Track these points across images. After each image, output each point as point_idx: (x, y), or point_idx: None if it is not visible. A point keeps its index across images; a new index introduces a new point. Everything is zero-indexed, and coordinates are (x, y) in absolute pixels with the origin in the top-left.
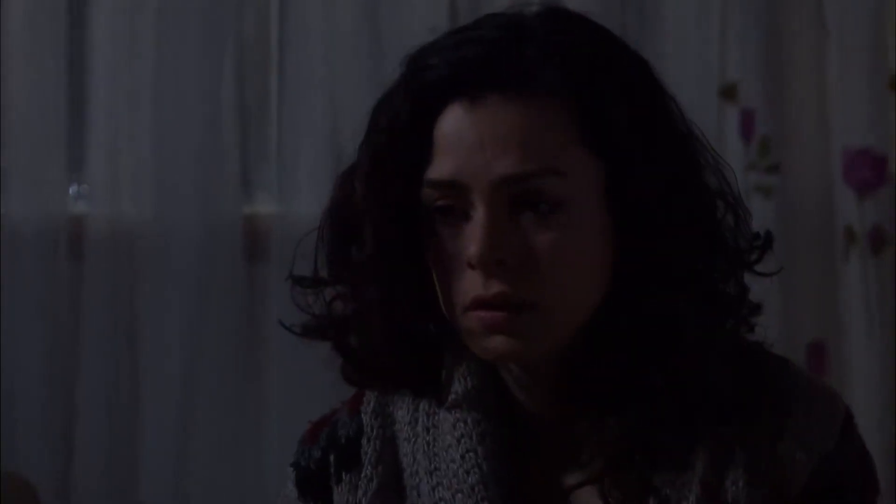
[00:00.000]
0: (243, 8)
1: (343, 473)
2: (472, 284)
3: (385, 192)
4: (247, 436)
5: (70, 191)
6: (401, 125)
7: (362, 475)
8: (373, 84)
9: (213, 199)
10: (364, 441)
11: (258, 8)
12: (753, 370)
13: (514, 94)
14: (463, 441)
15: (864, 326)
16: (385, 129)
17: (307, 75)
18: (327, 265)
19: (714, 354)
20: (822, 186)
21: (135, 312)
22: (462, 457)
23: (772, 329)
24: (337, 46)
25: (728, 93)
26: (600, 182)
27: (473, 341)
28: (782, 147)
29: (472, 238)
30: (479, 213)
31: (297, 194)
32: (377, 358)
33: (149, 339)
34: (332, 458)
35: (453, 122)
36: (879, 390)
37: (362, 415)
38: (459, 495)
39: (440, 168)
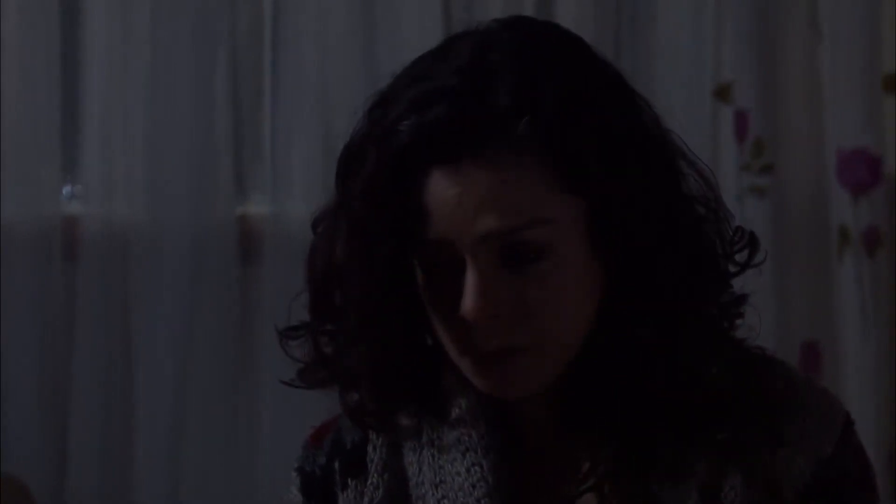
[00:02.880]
0: (236, 8)
1: (349, 480)
2: (467, 333)
3: (369, 256)
4: (240, 437)
5: (64, 191)
6: (377, 192)
7: (368, 482)
8: (366, 84)
9: (207, 200)
10: (370, 448)
11: (251, 8)
12: (752, 375)
13: (489, 153)
14: (468, 455)
15: (859, 327)
16: (361, 195)
17: (300, 76)
18: (311, 314)
19: (711, 362)
20: (816, 187)
21: (128, 312)
22: (468, 470)
23: (765, 329)
24: (330, 47)
25: (722, 93)
26: (582, 218)
27: (473, 378)
28: (776, 147)
29: (465, 293)
30: (469, 270)
31: (291, 195)
32: (375, 399)
33: (142, 339)
34: (336, 464)
35: (432, 187)
36: (874, 391)
37: None
38: None
39: (427, 229)
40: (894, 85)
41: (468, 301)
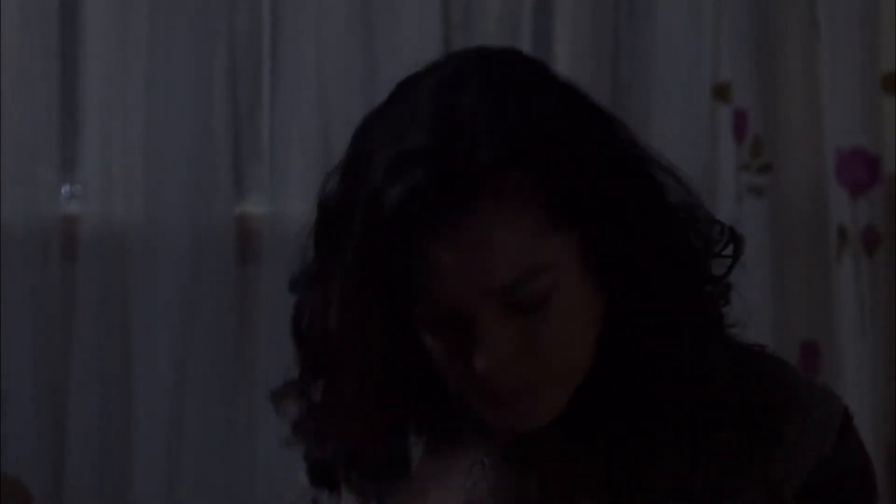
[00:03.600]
0: (235, 8)
1: (353, 470)
2: (477, 385)
3: (366, 322)
4: (239, 435)
5: (62, 191)
6: (370, 259)
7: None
8: (364, 84)
9: (205, 200)
10: None
11: (250, 8)
12: (752, 374)
13: (476, 211)
14: (470, 452)
15: (857, 326)
16: (353, 262)
17: (299, 75)
18: (302, 375)
19: (712, 361)
20: (814, 186)
21: (127, 312)
22: (469, 469)
23: (764, 329)
24: (329, 47)
25: (720, 93)
26: (576, 249)
27: (484, 418)
28: (775, 147)
29: (476, 353)
30: (476, 329)
31: (289, 194)
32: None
33: (141, 338)
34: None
35: (424, 252)
36: (872, 390)
37: None
38: None
39: (426, 293)
40: (893, 84)
41: (480, 362)
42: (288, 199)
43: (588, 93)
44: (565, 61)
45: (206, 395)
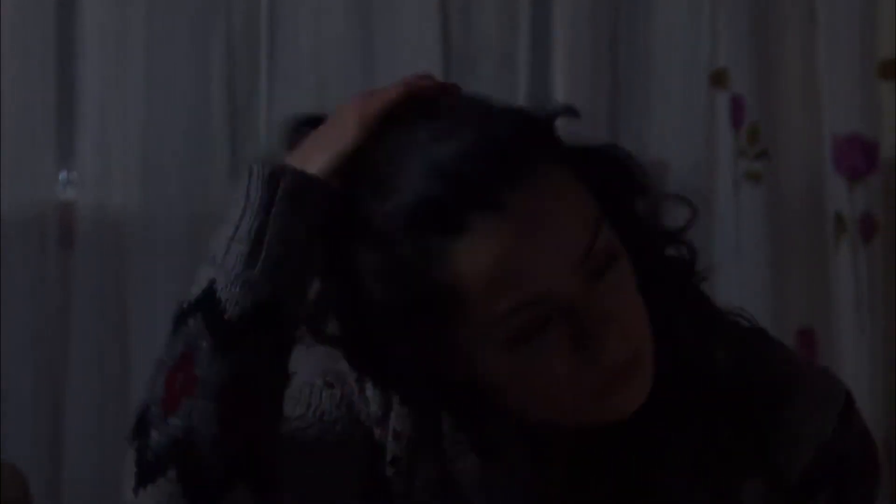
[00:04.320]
0: None
1: None
2: (592, 378)
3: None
4: None
5: (59, 178)
6: (413, 279)
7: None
8: (362, 75)
9: (202, 188)
10: (392, 416)
11: None
12: (751, 357)
13: (532, 176)
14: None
15: (854, 314)
16: (402, 295)
17: (297, 65)
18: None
19: (714, 345)
20: (811, 173)
21: (124, 299)
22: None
23: (762, 316)
24: (327, 37)
25: (718, 79)
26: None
27: (605, 413)
28: (772, 134)
29: (596, 336)
30: (581, 314)
31: None
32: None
33: (138, 325)
34: None
35: (492, 240)
36: (869, 378)
37: None
38: None
39: (513, 294)
40: (890, 71)
41: (609, 341)
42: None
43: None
44: (564, 49)
45: None
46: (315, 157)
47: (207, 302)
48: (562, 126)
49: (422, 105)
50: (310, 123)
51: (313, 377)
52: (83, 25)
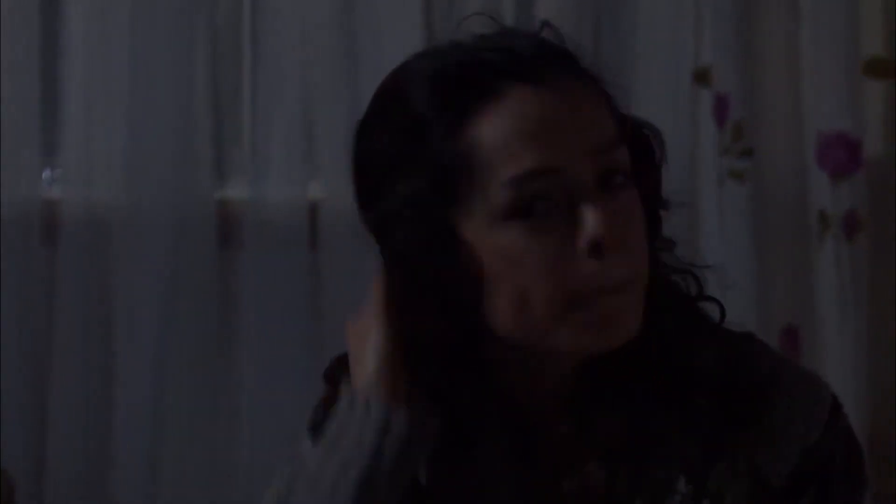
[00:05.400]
0: None
1: None
2: (587, 273)
3: (428, 236)
4: (220, 419)
5: (44, 176)
6: (435, 130)
7: None
8: (346, 70)
9: (186, 185)
10: None
11: None
12: (736, 360)
13: (570, 76)
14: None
15: (838, 311)
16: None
17: (280, 61)
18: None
19: (701, 345)
20: (795, 171)
21: (108, 297)
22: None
23: (745, 314)
24: (310, 31)
25: (702, 77)
26: None
27: (582, 333)
28: (756, 131)
29: (590, 221)
30: (586, 195)
31: (270, 180)
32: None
33: (122, 323)
34: None
35: (526, 108)
36: (853, 375)
37: None
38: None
39: (528, 158)
40: (874, 69)
41: (598, 226)
42: (269, 185)
43: None
44: None
45: (187, 379)
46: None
47: None
48: None
49: None
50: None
51: None
52: (67, 23)
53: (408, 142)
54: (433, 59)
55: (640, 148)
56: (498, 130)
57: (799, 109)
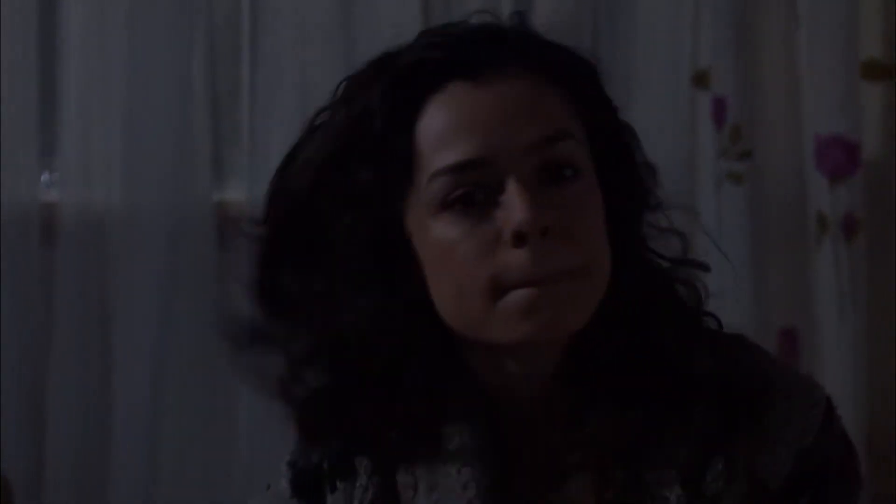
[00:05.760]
0: None
1: (337, 482)
2: (513, 262)
3: (361, 211)
4: (219, 420)
5: (42, 179)
6: (390, 110)
7: (357, 484)
8: (344, 70)
9: (185, 186)
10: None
11: None
12: (730, 364)
13: (512, 67)
14: (459, 455)
15: (836, 313)
16: (378, 112)
17: (278, 61)
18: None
19: (692, 348)
20: (794, 173)
21: (107, 299)
22: (458, 471)
23: (743, 315)
24: (308, 31)
25: (700, 79)
26: (591, 161)
27: (509, 325)
28: (754, 134)
29: (513, 209)
30: (513, 185)
31: (268, 180)
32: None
33: (120, 325)
34: (326, 464)
35: (460, 102)
36: (851, 377)
37: None
38: None
39: (458, 150)
40: (872, 71)
41: (519, 213)
42: (267, 185)
43: None
44: None
45: (184, 381)
46: None
47: None
48: None
49: None
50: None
51: None
52: (65, 26)
53: (357, 136)
54: (385, 58)
55: (612, 140)
56: (434, 125)
57: (797, 112)
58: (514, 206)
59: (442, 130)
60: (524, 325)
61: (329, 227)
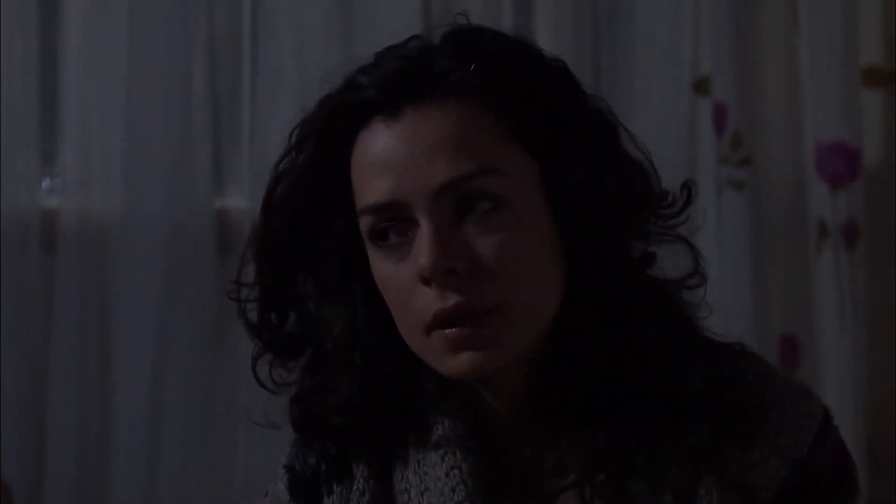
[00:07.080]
0: (215, 1)
1: (334, 485)
2: (427, 302)
3: (311, 238)
4: (217, 428)
5: (43, 185)
6: (319, 151)
7: (354, 488)
8: (344, 71)
9: (185, 193)
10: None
11: (230, 1)
12: (725, 372)
13: (433, 103)
14: (447, 458)
15: (836, 320)
16: (308, 157)
17: (278, 68)
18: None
19: (684, 358)
20: (794, 180)
21: (106, 305)
22: (447, 474)
23: (743, 322)
24: (308, 39)
25: (701, 86)
26: (537, 182)
27: (440, 361)
28: (755, 140)
29: (420, 251)
30: (423, 226)
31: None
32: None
33: (120, 331)
34: (323, 468)
35: (376, 142)
36: (852, 384)
37: None
38: None
39: (374, 192)
40: (873, 78)
41: (424, 257)
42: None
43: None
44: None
45: (184, 387)
46: None
47: None
48: None
49: None
50: None
51: None
52: (66, 33)
53: (310, 178)
54: (323, 100)
55: (584, 137)
56: (358, 162)
57: (798, 118)
58: (420, 249)
59: (361, 170)
60: (450, 362)
61: (309, 260)
